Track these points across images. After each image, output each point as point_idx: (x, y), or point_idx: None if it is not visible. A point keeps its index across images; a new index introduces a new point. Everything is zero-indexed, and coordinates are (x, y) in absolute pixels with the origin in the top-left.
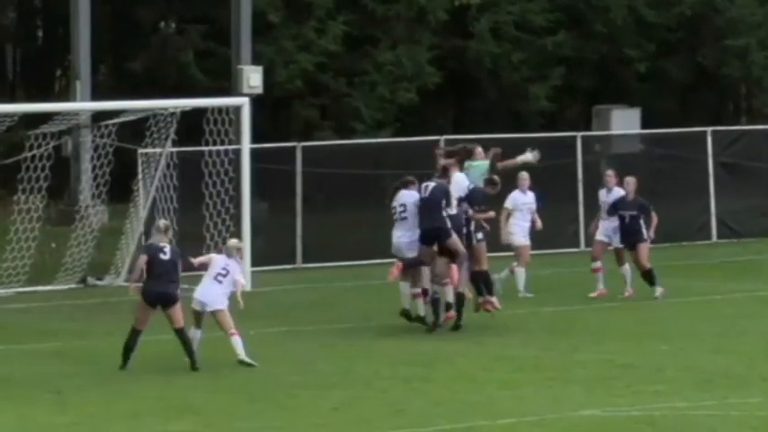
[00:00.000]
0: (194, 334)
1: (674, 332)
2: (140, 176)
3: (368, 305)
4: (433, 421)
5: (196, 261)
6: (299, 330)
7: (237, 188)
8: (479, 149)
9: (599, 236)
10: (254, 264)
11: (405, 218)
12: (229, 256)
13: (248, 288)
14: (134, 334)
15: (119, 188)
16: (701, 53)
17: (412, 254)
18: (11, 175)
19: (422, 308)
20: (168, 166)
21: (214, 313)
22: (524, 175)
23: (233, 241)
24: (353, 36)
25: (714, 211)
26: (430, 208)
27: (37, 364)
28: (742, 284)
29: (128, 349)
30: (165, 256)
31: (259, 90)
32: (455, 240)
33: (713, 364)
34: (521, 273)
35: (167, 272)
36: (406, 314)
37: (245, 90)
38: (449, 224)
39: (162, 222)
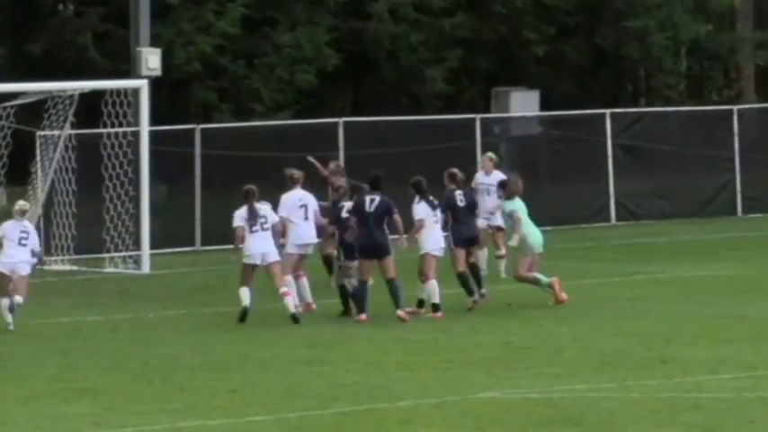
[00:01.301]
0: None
1: (572, 314)
2: (39, 159)
3: (266, 288)
4: (332, 404)
5: None
6: (197, 313)
7: (136, 170)
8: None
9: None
10: (153, 246)
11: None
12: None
13: (147, 270)
14: None
15: (17, 170)
16: (600, 35)
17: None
18: None
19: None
20: (67, 148)
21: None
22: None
23: (20, 203)
24: (252, 18)
25: (613, 193)
26: (376, 221)
27: None
28: (640, 267)
29: None
30: None
31: (158, 72)
32: (392, 259)
33: (612, 346)
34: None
35: None
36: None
37: (144, 72)
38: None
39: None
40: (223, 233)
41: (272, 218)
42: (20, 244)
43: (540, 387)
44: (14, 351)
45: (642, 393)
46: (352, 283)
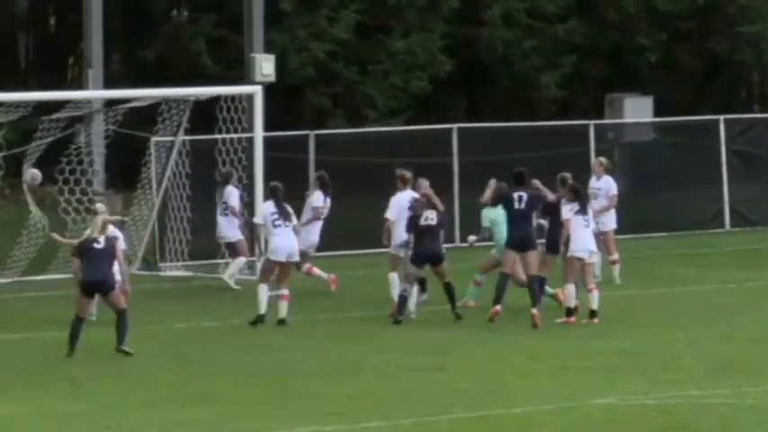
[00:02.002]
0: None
1: (688, 321)
2: (153, 164)
3: (380, 294)
4: (448, 410)
5: None
6: (312, 318)
7: (250, 176)
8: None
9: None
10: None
11: None
12: None
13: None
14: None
15: (132, 176)
16: (714, 40)
17: None
18: (24, 164)
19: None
20: (181, 153)
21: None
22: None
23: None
24: (366, 24)
25: (727, 199)
26: (525, 216)
27: (51, 352)
28: (755, 273)
29: (72, 336)
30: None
31: (272, 78)
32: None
33: (727, 352)
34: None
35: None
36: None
37: (258, 78)
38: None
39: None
40: (337, 239)
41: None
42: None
43: (656, 393)
44: (133, 357)
45: (757, 400)
46: (407, 289)
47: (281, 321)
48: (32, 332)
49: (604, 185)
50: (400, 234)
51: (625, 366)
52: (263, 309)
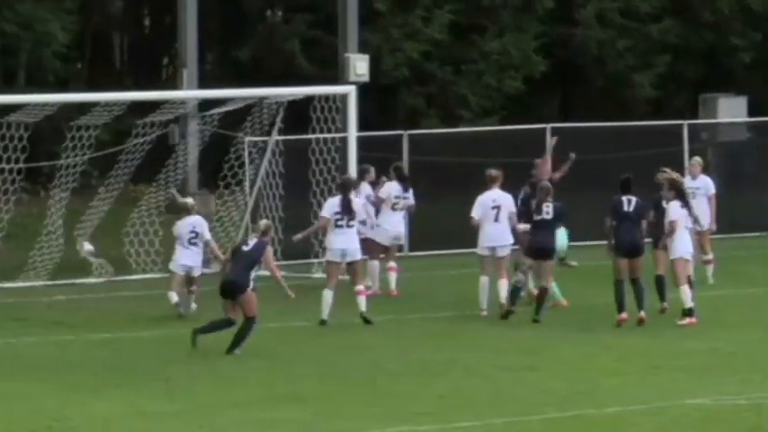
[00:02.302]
0: None
1: None
2: (247, 164)
3: (472, 294)
4: (539, 410)
5: None
6: (404, 318)
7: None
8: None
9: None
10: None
11: None
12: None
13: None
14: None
15: (226, 176)
16: None
17: None
18: (119, 164)
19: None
20: (275, 153)
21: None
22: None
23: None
24: (460, 24)
25: None
26: (634, 221)
27: (145, 352)
28: None
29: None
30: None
31: (365, 78)
32: (643, 259)
33: None
34: None
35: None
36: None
37: (352, 78)
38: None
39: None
40: (431, 238)
41: (361, 214)
42: (190, 243)
43: (749, 393)
44: (224, 356)
45: None
46: (520, 279)
47: (365, 319)
48: (127, 332)
49: (702, 185)
50: (485, 233)
51: (717, 366)
52: (324, 314)
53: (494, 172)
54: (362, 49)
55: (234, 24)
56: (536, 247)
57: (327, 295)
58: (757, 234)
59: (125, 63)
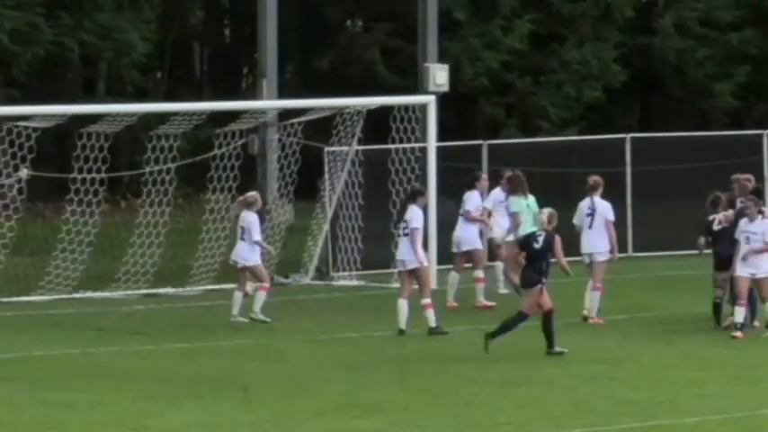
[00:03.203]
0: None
1: None
2: (327, 174)
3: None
4: (619, 419)
5: None
6: (484, 329)
7: (424, 186)
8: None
9: None
10: (439, 261)
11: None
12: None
13: (433, 285)
14: None
15: (305, 186)
16: None
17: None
18: (198, 174)
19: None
20: (354, 163)
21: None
22: None
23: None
24: (539, 34)
25: None
26: (730, 236)
27: (223, 362)
28: None
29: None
30: None
31: (445, 88)
32: None
33: None
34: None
35: None
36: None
37: (432, 88)
38: None
39: None
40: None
41: (415, 223)
42: (240, 238)
43: None
44: (303, 365)
45: None
46: (718, 294)
47: (436, 332)
48: (205, 341)
49: None
50: (581, 240)
51: None
52: (401, 324)
53: (592, 179)
54: (442, 58)
55: (314, 34)
56: (720, 258)
57: (401, 305)
58: None
59: (204, 73)
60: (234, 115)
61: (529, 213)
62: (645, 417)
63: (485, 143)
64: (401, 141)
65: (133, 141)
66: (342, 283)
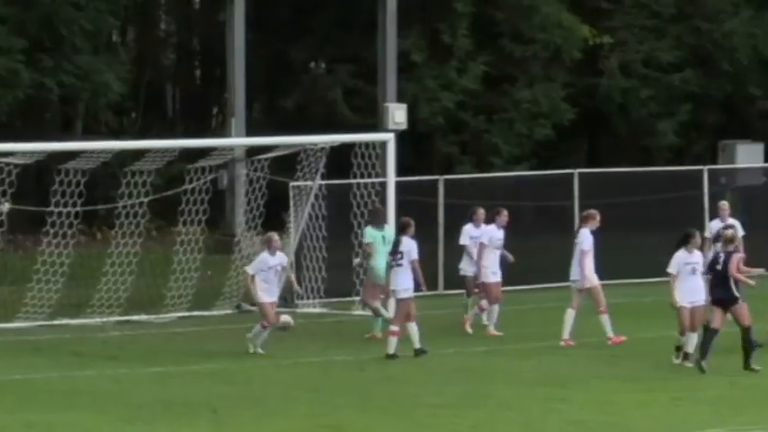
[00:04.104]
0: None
1: None
2: (292, 208)
3: (504, 330)
4: None
5: None
6: (440, 353)
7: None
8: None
9: None
10: None
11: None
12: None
13: (390, 312)
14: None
15: (271, 219)
16: None
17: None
18: (170, 207)
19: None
20: (318, 197)
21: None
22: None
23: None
24: (492, 75)
25: None
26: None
27: (195, 385)
28: None
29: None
30: None
31: (403, 126)
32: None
33: None
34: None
35: None
36: None
37: (391, 126)
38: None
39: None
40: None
41: (414, 254)
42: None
43: (764, 424)
44: (269, 388)
45: None
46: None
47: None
48: (177, 366)
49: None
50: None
51: (734, 398)
52: (390, 349)
53: (586, 212)
54: (400, 98)
55: (279, 75)
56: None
57: (408, 330)
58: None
59: (177, 112)
60: (204, 152)
61: (382, 244)
62: None
63: (441, 178)
64: (362, 176)
65: (109, 177)
66: (306, 310)
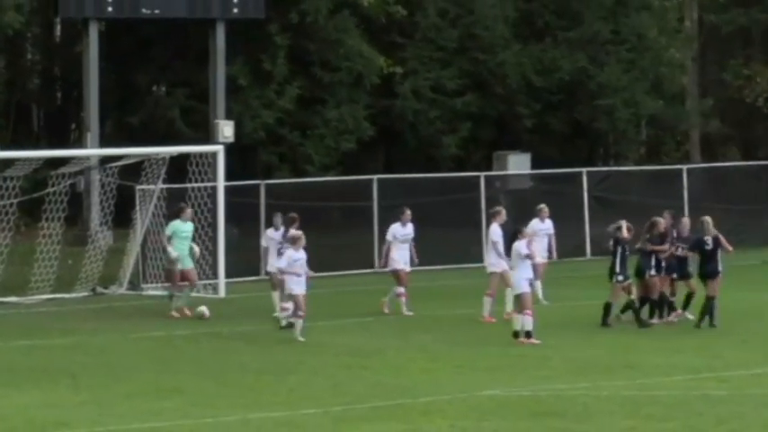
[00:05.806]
0: None
1: (558, 330)
2: (138, 207)
3: (318, 310)
4: (369, 400)
5: None
6: (264, 328)
7: (214, 216)
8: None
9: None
10: (227, 275)
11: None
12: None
13: (222, 295)
14: None
15: (121, 217)
16: (578, 110)
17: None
18: (36, 207)
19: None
20: (159, 198)
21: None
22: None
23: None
24: (305, 97)
25: (588, 233)
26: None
27: (57, 356)
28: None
29: None
30: None
31: (231, 139)
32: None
33: (587, 354)
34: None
35: None
36: None
37: (220, 139)
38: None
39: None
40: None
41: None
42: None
43: (531, 386)
44: (120, 358)
45: (611, 392)
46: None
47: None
48: (42, 339)
49: (548, 226)
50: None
51: (508, 366)
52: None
53: (493, 209)
54: (228, 115)
55: (127, 97)
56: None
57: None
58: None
59: (42, 128)
60: (64, 161)
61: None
62: (389, 397)
63: (262, 183)
64: (197, 181)
65: None
66: (150, 293)
